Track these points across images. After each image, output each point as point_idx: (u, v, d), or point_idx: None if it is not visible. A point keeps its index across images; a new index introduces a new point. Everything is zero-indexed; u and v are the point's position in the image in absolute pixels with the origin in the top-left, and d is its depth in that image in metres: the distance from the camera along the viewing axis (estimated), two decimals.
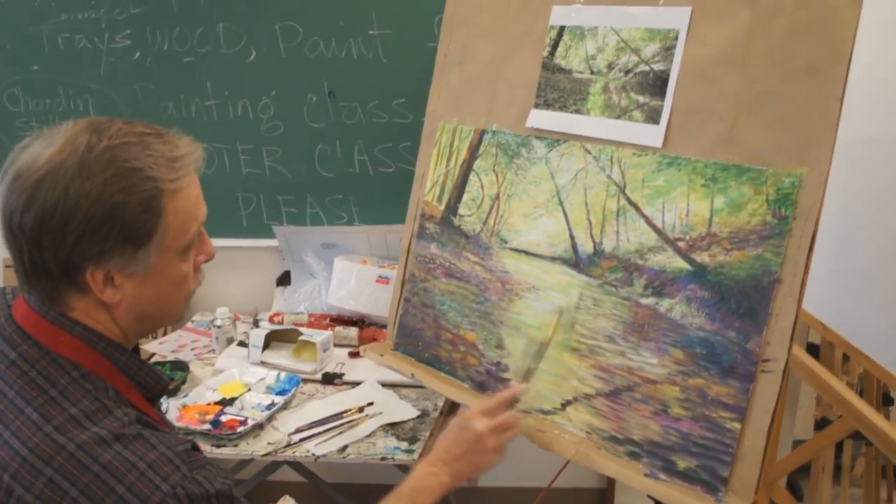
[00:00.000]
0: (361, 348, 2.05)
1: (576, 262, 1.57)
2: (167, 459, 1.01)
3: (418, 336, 1.88)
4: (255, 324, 2.61)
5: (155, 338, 2.67)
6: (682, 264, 1.41)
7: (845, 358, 2.45)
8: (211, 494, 1.02)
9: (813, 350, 2.47)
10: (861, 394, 2.38)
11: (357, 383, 2.28)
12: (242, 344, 2.49)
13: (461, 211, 1.81)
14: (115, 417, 1.02)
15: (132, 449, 1.00)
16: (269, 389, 2.22)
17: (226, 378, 2.26)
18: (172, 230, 1.07)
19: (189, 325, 2.77)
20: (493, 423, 1.45)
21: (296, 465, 2.60)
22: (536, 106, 1.68)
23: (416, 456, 1.93)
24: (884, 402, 2.53)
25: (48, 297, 1.07)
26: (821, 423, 2.96)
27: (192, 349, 2.56)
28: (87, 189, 0.99)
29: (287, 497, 1.59)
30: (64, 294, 1.07)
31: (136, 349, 1.21)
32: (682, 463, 1.39)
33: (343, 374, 2.31)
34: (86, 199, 0.99)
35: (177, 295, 1.15)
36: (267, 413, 2.07)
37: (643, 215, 1.47)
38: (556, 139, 1.64)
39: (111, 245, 1.02)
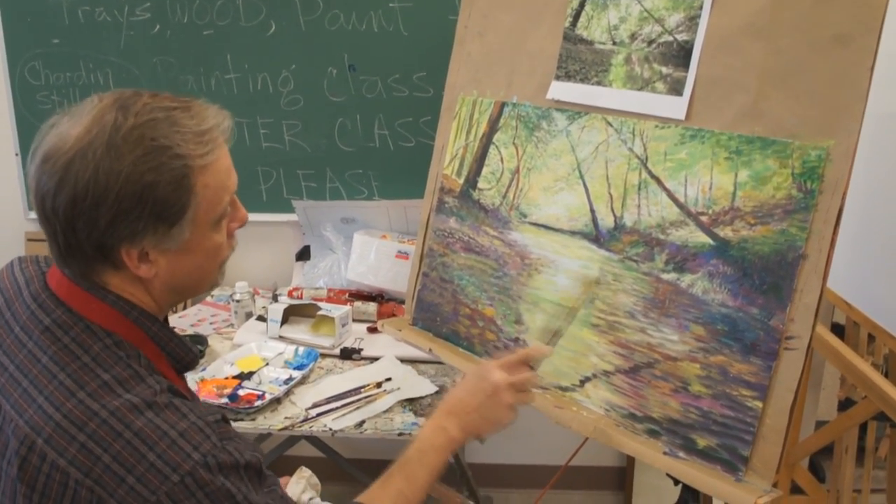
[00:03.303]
0: (380, 323, 2.04)
1: (596, 236, 1.55)
2: (198, 428, 1.01)
3: (436, 311, 1.86)
4: (274, 298, 2.61)
5: (174, 312, 2.68)
6: (704, 239, 1.39)
7: (871, 338, 2.41)
8: (241, 465, 1.03)
9: (838, 330, 2.44)
10: (886, 374, 2.34)
11: (375, 358, 2.27)
12: (261, 318, 2.49)
13: (480, 184, 1.79)
14: (147, 385, 1.03)
15: (164, 417, 1.00)
16: (287, 364, 2.21)
17: (244, 352, 2.26)
18: (204, 205, 1.07)
19: (208, 299, 2.77)
20: (512, 378, 1.38)
21: (313, 439, 2.59)
22: (557, 78, 1.66)
23: None
24: None
25: (82, 273, 1.08)
26: (845, 404, 2.93)
27: (210, 323, 2.56)
28: (116, 170, 0.99)
29: (303, 468, 1.58)
30: (99, 271, 1.08)
31: (166, 320, 1.22)
32: (702, 441, 1.37)
33: (361, 350, 2.31)
34: (116, 180, 0.99)
35: (211, 265, 1.16)
36: (285, 388, 2.07)
37: (665, 189, 1.45)
38: (577, 111, 1.61)
39: (144, 224, 1.02)
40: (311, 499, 1.54)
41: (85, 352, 1.04)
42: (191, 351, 1.19)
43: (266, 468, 1.10)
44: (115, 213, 1.00)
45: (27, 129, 2.82)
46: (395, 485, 1.29)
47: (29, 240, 2.94)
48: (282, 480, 1.55)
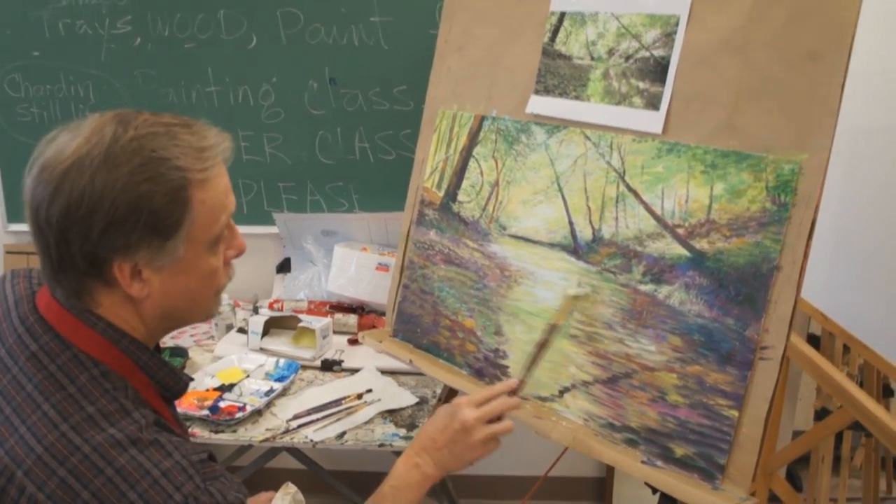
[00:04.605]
0: (360, 335, 2.04)
1: (574, 248, 1.56)
2: (182, 468, 0.99)
3: (417, 322, 1.87)
4: (255, 310, 2.61)
5: None
6: (681, 251, 1.41)
7: (846, 349, 2.44)
8: None
9: (813, 340, 2.47)
10: (861, 385, 2.38)
11: (356, 370, 2.27)
12: (242, 330, 2.49)
13: (460, 197, 1.80)
14: (132, 419, 1.00)
15: (147, 455, 0.98)
16: (267, 376, 2.21)
17: (225, 364, 2.26)
18: (200, 221, 1.04)
19: None
20: (480, 413, 1.38)
21: (294, 451, 2.59)
22: (536, 92, 1.68)
23: None
24: (884, 394, 2.53)
25: (75, 292, 1.04)
26: (821, 414, 2.96)
27: (191, 335, 2.56)
28: (113, 179, 0.97)
29: (289, 483, 1.57)
30: (91, 288, 1.05)
31: (158, 347, 1.20)
32: (680, 450, 1.39)
33: (342, 361, 2.31)
34: (112, 188, 0.97)
35: (205, 290, 1.12)
36: (266, 399, 2.07)
37: (642, 202, 1.47)
38: (555, 125, 1.63)
39: (138, 236, 1.00)
40: None
41: (71, 382, 1.01)
42: (180, 380, 1.16)
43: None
44: (109, 222, 0.98)
45: (6, 142, 2.81)
46: None
47: (8, 252, 2.92)
48: (266, 496, 1.54)
